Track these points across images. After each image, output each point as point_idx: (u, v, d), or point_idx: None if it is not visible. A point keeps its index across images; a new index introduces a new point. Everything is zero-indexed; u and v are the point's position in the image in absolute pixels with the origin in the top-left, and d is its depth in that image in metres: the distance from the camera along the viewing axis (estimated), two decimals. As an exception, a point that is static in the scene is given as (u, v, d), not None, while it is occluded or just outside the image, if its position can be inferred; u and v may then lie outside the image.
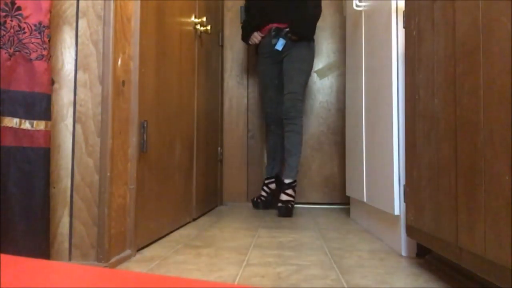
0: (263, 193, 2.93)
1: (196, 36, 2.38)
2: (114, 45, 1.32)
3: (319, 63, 3.25)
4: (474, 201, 0.94)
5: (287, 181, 2.68)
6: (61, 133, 1.29)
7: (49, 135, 1.16)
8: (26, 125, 1.11)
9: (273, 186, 2.92)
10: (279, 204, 2.61)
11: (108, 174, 1.29)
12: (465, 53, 0.99)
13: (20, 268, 0.74)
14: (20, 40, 1.10)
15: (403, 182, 1.51)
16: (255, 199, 2.94)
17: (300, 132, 2.69)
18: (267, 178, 2.93)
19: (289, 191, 2.66)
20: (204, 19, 2.41)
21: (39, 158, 1.12)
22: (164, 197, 1.82)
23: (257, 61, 2.91)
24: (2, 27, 1.08)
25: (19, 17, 1.10)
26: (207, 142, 2.70)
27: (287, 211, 2.56)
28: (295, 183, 2.70)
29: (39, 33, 1.12)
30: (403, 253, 1.53)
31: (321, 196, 3.14)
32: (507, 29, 0.80)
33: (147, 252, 1.54)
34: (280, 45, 2.70)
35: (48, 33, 1.14)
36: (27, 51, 1.11)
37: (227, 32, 3.31)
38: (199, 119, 2.45)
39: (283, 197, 2.65)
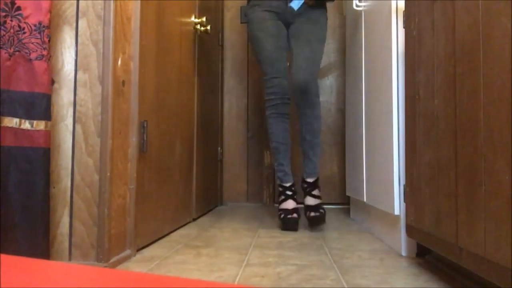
0: (294, 206, 2.10)
1: (196, 36, 2.38)
2: (114, 45, 1.32)
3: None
4: (474, 201, 0.94)
5: (311, 179, 2.15)
6: (61, 133, 1.29)
7: (49, 135, 1.16)
8: (26, 125, 1.11)
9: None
10: (311, 213, 2.07)
11: (108, 174, 1.29)
12: (465, 53, 0.99)
13: (20, 268, 0.74)
14: (20, 40, 1.10)
15: (403, 182, 1.51)
16: (287, 217, 2.05)
17: (320, 115, 2.15)
18: (291, 185, 2.16)
19: (316, 192, 2.14)
20: (204, 19, 2.41)
21: (39, 158, 1.12)
22: (164, 197, 1.82)
23: (253, 24, 2.16)
24: (2, 27, 1.08)
25: (19, 17, 1.10)
26: (207, 142, 2.70)
27: (321, 218, 2.06)
28: (318, 180, 2.19)
29: (39, 33, 1.12)
30: (403, 253, 1.53)
31: (321, 196, 3.14)
32: (507, 29, 0.80)
33: (147, 252, 1.54)
34: (296, 3, 2.10)
35: (48, 33, 1.14)
36: (27, 51, 1.11)
37: (227, 32, 3.31)
38: (199, 119, 2.45)
39: (310, 200, 2.11)
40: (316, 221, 2.06)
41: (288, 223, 2.04)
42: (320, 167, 3.18)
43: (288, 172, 2.17)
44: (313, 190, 2.14)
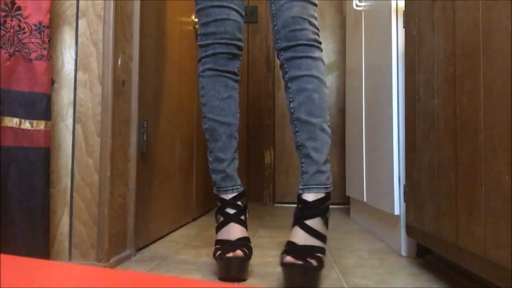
0: (241, 236, 1.24)
1: (196, 35, 2.38)
2: (114, 45, 1.32)
3: (319, 63, 3.25)
4: (474, 201, 0.94)
5: (309, 195, 1.18)
6: (61, 133, 1.29)
7: (49, 135, 1.16)
8: (26, 125, 1.11)
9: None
10: (288, 258, 1.08)
11: (108, 174, 1.29)
12: (465, 53, 0.99)
13: (20, 268, 0.74)
14: (20, 40, 1.10)
15: (403, 182, 1.51)
16: (225, 256, 1.17)
17: (324, 80, 1.25)
18: (235, 196, 1.30)
19: (315, 222, 1.15)
20: (204, 19, 2.41)
21: (39, 158, 1.12)
22: (164, 197, 1.82)
23: None
24: (2, 27, 1.08)
25: (19, 17, 1.10)
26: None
27: (310, 274, 1.09)
28: (327, 200, 1.20)
29: (39, 33, 1.12)
30: (403, 253, 1.53)
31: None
32: (507, 29, 0.80)
33: (147, 252, 1.54)
34: None
35: (48, 33, 1.14)
36: (27, 51, 1.11)
37: (227, 32, 3.30)
38: (199, 119, 2.45)
39: (298, 235, 1.14)
40: (297, 277, 1.08)
41: (226, 268, 1.18)
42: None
43: (231, 173, 1.32)
44: (309, 217, 1.14)
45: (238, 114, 1.35)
